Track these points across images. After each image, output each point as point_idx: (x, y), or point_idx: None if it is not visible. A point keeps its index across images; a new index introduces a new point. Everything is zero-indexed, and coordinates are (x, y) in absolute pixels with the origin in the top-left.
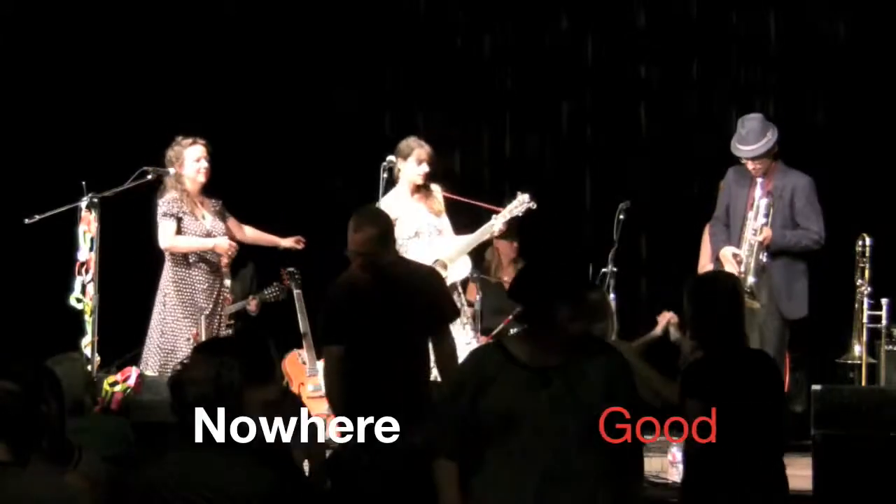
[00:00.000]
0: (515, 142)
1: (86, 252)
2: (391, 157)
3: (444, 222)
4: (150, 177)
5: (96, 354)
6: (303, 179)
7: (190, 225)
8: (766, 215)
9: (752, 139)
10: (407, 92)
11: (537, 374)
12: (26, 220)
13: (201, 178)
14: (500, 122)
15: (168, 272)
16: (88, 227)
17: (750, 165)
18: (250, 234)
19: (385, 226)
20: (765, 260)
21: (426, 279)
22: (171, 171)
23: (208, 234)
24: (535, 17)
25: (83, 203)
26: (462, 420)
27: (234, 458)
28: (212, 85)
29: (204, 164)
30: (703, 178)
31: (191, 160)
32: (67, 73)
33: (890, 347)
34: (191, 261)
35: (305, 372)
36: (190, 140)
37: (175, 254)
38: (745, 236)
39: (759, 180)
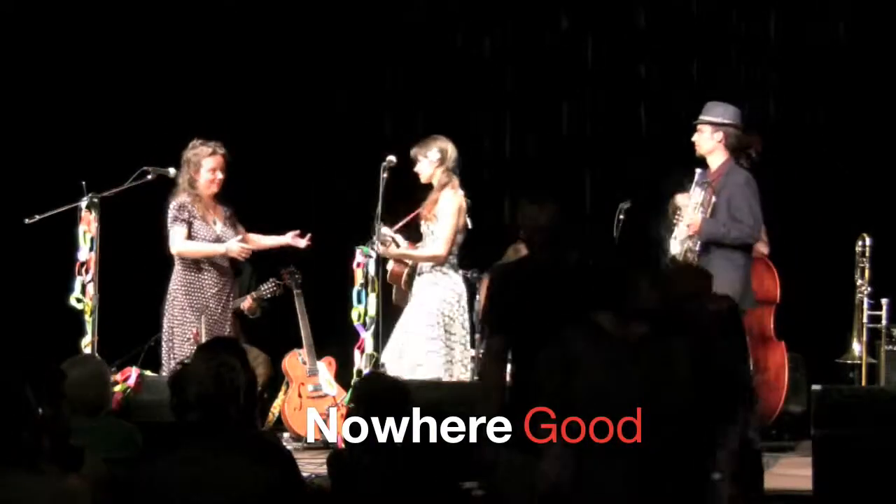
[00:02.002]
0: (515, 142)
1: (86, 252)
2: (391, 157)
3: (433, 227)
4: (150, 177)
5: (96, 354)
6: (302, 179)
7: (200, 230)
8: (702, 203)
9: (707, 112)
10: (407, 92)
11: (625, 348)
12: (26, 221)
13: (214, 189)
14: (500, 121)
15: (178, 276)
16: (88, 227)
17: (694, 137)
18: (255, 241)
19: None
20: (696, 248)
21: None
22: (172, 171)
23: (218, 240)
24: (535, 16)
25: (83, 203)
26: (559, 399)
27: (235, 456)
28: (211, 84)
29: (219, 175)
30: None
31: (206, 169)
32: (67, 73)
33: (890, 347)
34: (201, 265)
35: (306, 372)
36: (210, 149)
37: (185, 258)
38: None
39: (699, 171)
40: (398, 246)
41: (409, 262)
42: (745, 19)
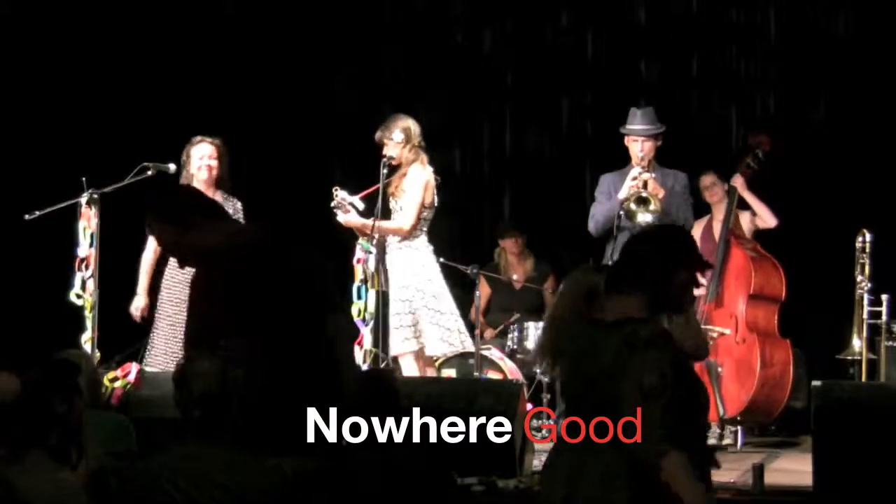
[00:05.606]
0: (515, 138)
1: (86, 248)
2: (391, 154)
3: (401, 202)
4: (150, 172)
5: (96, 350)
6: (302, 176)
7: None
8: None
9: (647, 122)
10: (407, 88)
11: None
12: (26, 217)
13: (202, 175)
14: (500, 117)
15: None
16: (88, 222)
17: (637, 148)
18: None
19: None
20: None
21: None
22: (171, 167)
23: None
24: (535, 12)
25: (83, 199)
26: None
27: (235, 453)
28: (211, 81)
29: (207, 161)
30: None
31: (195, 157)
32: (67, 70)
33: (890, 343)
34: None
35: None
36: (199, 138)
37: None
38: (625, 184)
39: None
40: (358, 210)
41: (374, 235)
42: (745, 15)
